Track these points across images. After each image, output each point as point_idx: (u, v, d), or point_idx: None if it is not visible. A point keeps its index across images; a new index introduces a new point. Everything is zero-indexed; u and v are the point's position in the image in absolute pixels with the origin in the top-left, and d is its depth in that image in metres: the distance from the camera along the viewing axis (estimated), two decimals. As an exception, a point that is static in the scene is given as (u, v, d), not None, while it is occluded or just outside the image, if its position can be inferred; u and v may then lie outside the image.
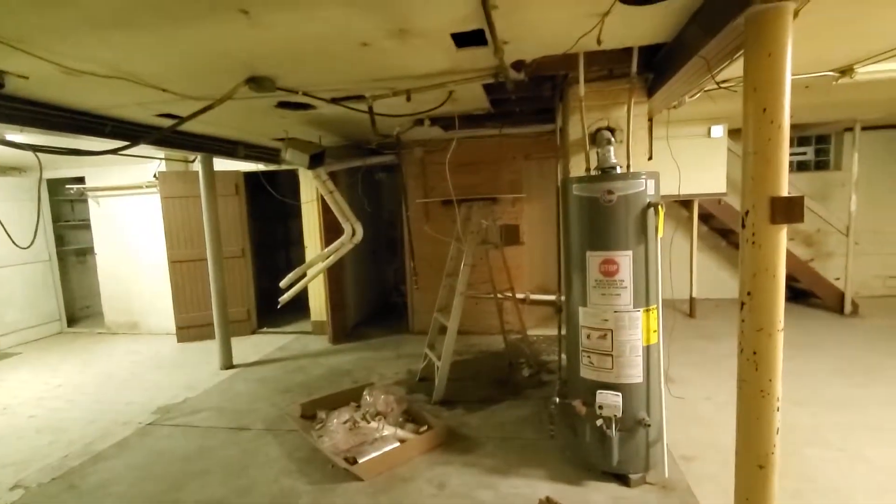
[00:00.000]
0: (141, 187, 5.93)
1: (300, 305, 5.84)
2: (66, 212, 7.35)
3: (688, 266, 5.73)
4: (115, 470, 3.02)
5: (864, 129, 5.54)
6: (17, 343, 6.13)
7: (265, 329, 6.22)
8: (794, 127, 6.09)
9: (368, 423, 3.01)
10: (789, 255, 5.83)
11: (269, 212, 7.57)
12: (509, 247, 4.14)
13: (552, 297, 5.47)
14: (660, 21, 2.12)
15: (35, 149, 2.60)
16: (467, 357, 4.74)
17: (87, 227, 6.64)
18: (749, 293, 1.64)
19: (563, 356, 3.44)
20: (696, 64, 2.12)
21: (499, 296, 4.32)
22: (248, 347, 5.46)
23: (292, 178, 6.08)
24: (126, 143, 2.80)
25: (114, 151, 2.76)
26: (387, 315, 6.74)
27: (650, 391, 2.46)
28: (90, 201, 6.36)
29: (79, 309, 7.42)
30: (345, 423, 3.04)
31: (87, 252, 7.27)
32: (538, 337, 5.22)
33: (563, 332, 3.18)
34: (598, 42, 2.03)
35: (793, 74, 1.62)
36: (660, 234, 2.37)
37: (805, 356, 4.34)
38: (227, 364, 4.83)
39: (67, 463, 3.12)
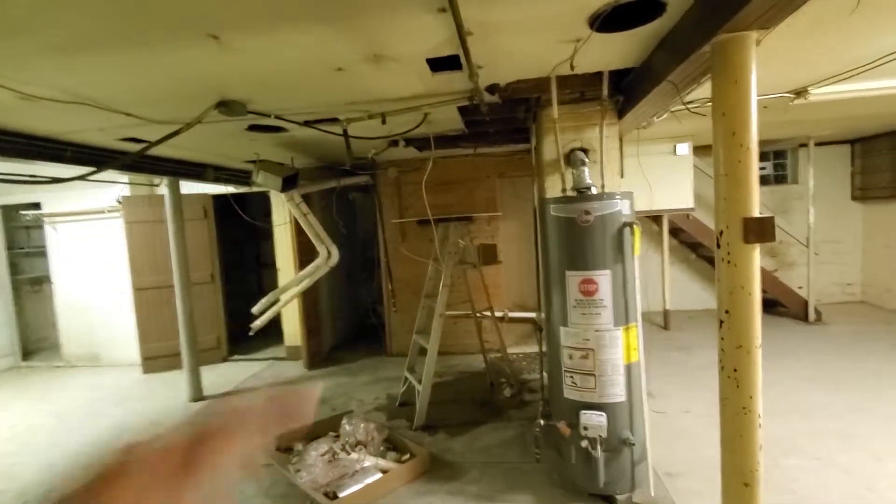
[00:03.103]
0: (102, 212, 5.69)
1: (273, 331, 5.67)
2: (20, 238, 6.97)
3: (660, 279, 5.86)
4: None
5: (817, 144, 5.84)
6: (-36, 381, 5.73)
7: (236, 356, 6.00)
8: (761, 143, 6.40)
9: (348, 454, 2.91)
10: (765, 270, 6.06)
11: (239, 234, 7.38)
12: (487, 266, 4.14)
13: (531, 315, 5.48)
14: (629, 47, 2.18)
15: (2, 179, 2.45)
16: (448, 378, 4.68)
17: (44, 254, 6.31)
18: (727, 311, 1.66)
19: (545, 375, 3.43)
20: (664, 88, 2.18)
21: (478, 315, 4.29)
22: (218, 377, 5.24)
23: (264, 199, 5.96)
24: (91, 170, 2.69)
25: (81, 178, 2.64)
26: (363, 337, 6.61)
27: (633, 409, 2.47)
28: (47, 227, 6.05)
29: (34, 341, 6.99)
30: (323, 455, 2.93)
31: (43, 281, 6.89)
32: (518, 355, 5.20)
33: (545, 350, 3.17)
34: (571, 67, 2.07)
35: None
36: (636, 253, 2.40)
37: (776, 365, 4.46)
38: (197, 395, 4.61)
39: (22, 513, 2.90)
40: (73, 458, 3.57)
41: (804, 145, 6.11)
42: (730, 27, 1.60)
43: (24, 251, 6.88)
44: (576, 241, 2.42)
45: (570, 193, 2.68)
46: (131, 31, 1.66)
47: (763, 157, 6.86)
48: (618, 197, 2.39)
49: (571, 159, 2.74)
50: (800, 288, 6.15)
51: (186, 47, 1.82)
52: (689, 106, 3.10)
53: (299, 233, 4.98)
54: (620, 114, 2.83)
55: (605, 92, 2.60)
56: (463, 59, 2.11)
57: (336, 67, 2.17)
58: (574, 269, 2.43)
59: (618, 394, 2.42)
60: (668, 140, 4.93)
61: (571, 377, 2.50)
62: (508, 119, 3.68)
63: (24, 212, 6.01)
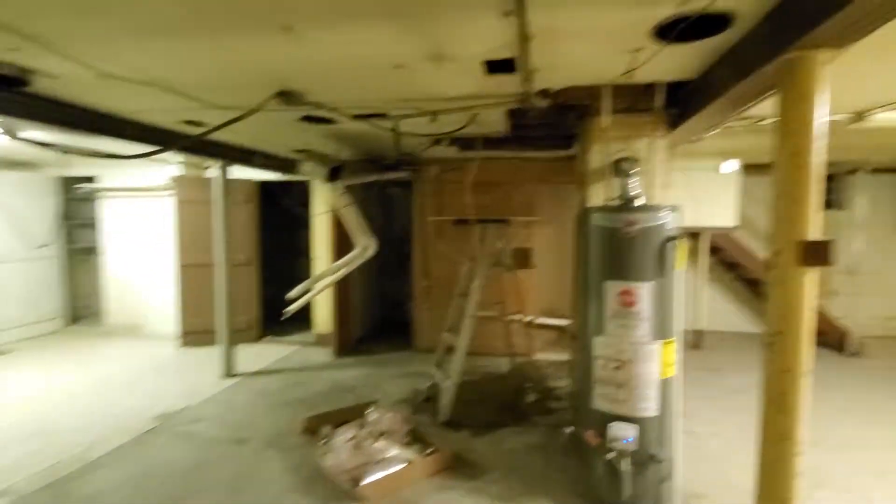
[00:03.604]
0: (154, 190, 5.95)
1: (304, 317, 5.81)
2: (74, 210, 7.36)
3: (693, 298, 5.73)
4: (110, 480, 2.94)
5: (870, 171, 5.60)
6: (13, 340, 6.07)
7: (268, 338, 6.18)
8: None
9: (374, 442, 2.97)
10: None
11: (276, 221, 7.59)
12: (520, 270, 4.14)
13: (558, 322, 5.46)
14: (689, 60, 2.16)
15: (65, 150, 2.61)
16: (472, 378, 4.70)
17: (94, 226, 6.65)
18: (775, 334, 1.63)
19: (573, 384, 3.41)
20: (722, 103, 2.15)
21: (507, 318, 4.30)
22: (250, 356, 5.41)
23: (303, 188, 6.12)
24: (156, 149, 2.83)
25: (142, 156, 2.78)
26: (391, 331, 6.70)
27: (664, 425, 2.44)
28: (100, 201, 6.37)
29: (80, 308, 7.37)
30: (349, 441, 3.00)
31: (91, 251, 7.26)
32: (544, 361, 5.18)
33: (574, 359, 3.16)
34: (629, 77, 2.06)
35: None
36: (679, 268, 2.37)
37: (811, 395, 4.30)
38: (229, 372, 4.78)
39: (60, 470, 3.04)
40: (111, 422, 3.75)
41: (854, 171, 5.87)
42: (801, 45, 1.57)
43: (77, 222, 7.27)
44: (617, 251, 2.41)
45: (614, 203, 2.66)
46: (211, 18, 1.75)
47: (813, 180, 6.60)
48: (664, 210, 2.37)
49: (618, 169, 2.72)
50: (839, 318, 5.91)
51: (260, 37, 1.91)
52: (745, 123, 3.04)
53: (337, 223, 5.10)
54: (672, 126, 2.80)
55: (659, 103, 2.58)
56: (519, 63, 2.13)
57: (396, 64, 2.23)
58: (613, 279, 2.42)
59: (650, 408, 2.40)
60: (714, 156, 4.82)
61: (602, 387, 2.48)
62: (554, 125, 3.66)
63: (78, 185, 6.33)
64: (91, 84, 2.56)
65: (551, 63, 2.21)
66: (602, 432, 2.47)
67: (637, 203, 2.52)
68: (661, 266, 2.36)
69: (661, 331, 2.40)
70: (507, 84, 2.52)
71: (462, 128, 3.35)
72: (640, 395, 2.40)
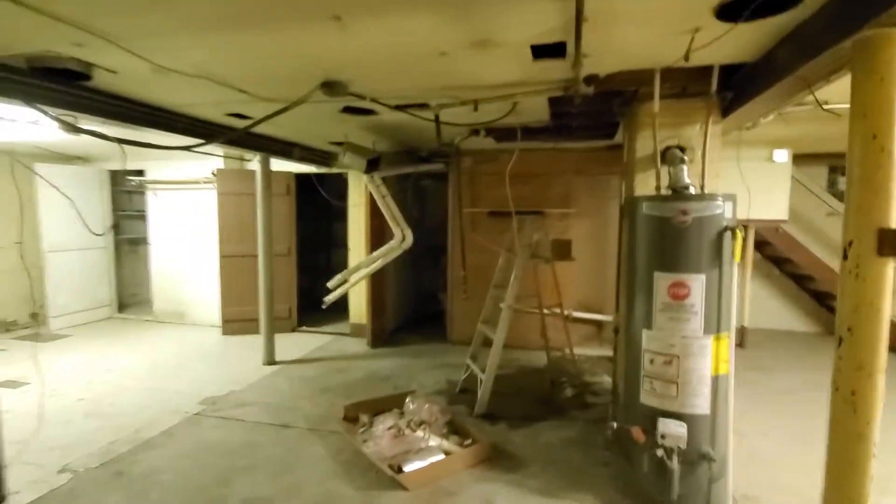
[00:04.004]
0: (198, 182, 6.15)
1: (339, 308, 5.90)
2: (123, 202, 7.69)
3: (738, 294, 5.50)
4: (163, 459, 3.07)
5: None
6: (67, 325, 6.40)
7: (304, 328, 6.32)
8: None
9: (413, 431, 2.99)
10: (852, 288, 5.53)
11: (313, 213, 7.72)
12: (558, 262, 4.08)
13: (597, 317, 5.35)
14: (750, 40, 2.04)
15: (120, 141, 2.72)
16: (508, 371, 4.67)
17: (142, 217, 6.93)
18: (849, 329, 1.54)
19: (615, 378, 3.34)
20: (784, 85, 2.03)
21: (545, 311, 4.24)
22: (289, 345, 5.54)
23: (339, 181, 6.19)
24: (201, 141, 2.91)
25: (187, 148, 2.86)
26: (424, 323, 6.73)
27: (716, 424, 2.35)
28: (148, 193, 6.63)
29: (128, 296, 7.71)
30: (389, 429, 3.03)
31: (139, 241, 7.58)
32: (580, 356, 5.09)
33: (618, 353, 3.09)
34: (686, 58, 1.98)
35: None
36: (736, 260, 2.27)
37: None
38: (270, 360, 4.91)
39: (115, 449, 3.19)
40: (162, 404, 3.91)
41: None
42: (878, 22, 1.46)
43: (126, 213, 7.60)
44: (669, 242, 2.33)
45: (664, 192, 2.57)
46: (264, 10, 1.77)
47: (871, 170, 6.23)
48: (719, 198, 2.27)
49: (668, 157, 2.62)
50: (901, 317, 5.57)
51: (309, 27, 1.92)
52: (804, 108, 2.88)
53: (373, 215, 5.14)
54: (725, 112, 2.67)
55: (714, 87, 2.46)
56: (571, 46, 2.07)
57: (440, 52, 2.21)
58: (664, 271, 2.34)
59: (701, 405, 2.32)
60: (764, 146, 4.60)
61: (650, 382, 2.41)
62: (596, 113, 3.58)
63: (130, 178, 6.60)
64: (147, 78, 2.64)
65: (603, 47, 2.14)
66: (649, 428, 2.40)
67: (690, 192, 2.42)
68: (717, 258, 2.27)
69: (715, 325, 2.31)
70: (554, 70, 2.46)
71: (503, 117, 3.30)
72: (691, 392, 2.32)
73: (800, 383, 4.42)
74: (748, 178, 4.51)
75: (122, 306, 7.38)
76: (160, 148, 2.89)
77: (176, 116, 3.45)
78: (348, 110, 3.37)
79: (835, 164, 6.03)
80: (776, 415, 3.75)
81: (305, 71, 2.49)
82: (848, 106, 1.60)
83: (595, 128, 4.14)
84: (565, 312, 4.60)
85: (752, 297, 5.86)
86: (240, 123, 3.81)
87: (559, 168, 5.23)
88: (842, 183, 6.18)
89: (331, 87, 2.68)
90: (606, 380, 4.45)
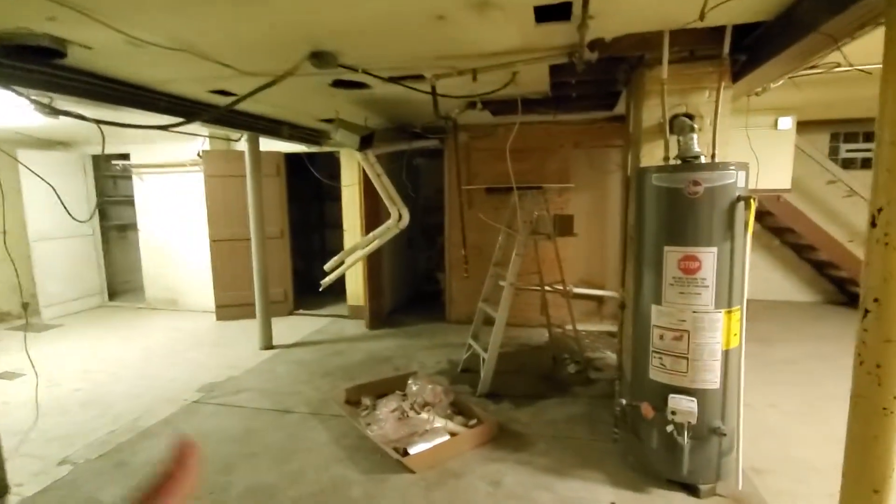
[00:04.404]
0: (184, 165, 5.96)
1: (335, 290, 5.82)
2: (108, 187, 7.48)
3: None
4: (164, 448, 3.01)
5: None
6: (59, 315, 6.28)
7: (301, 311, 6.23)
8: (859, 121, 5.73)
9: (417, 413, 2.93)
10: (853, 257, 5.51)
11: (304, 194, 7.56)
12: (561, 238, 3.99)
13: (599, 292, 5.30)
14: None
15: (98, 122, 2.56)
16: (509, 350, 4.62)
17: (130, 202, 6.74)
18: (876, 300, 1.47)
19: (620, 355, 3.29)
20: (806, 43, 1.91)
21: (546, 288, 4.17)
22: (285, 329, 5.46)
23: (331, 160, 6.02)
24: (182, 120, 2.75)
25: (166, 127, 2.71)
26: (421, 303, 6.67)
27: (727, 398, 2.31)
28: (134, 178, 6.43)
29: (119, 283, 7.57)
30: (393, 412, 2.97)
31: (128, 228, 7.40)
32: (582, 332, 5.06)
33: (625, 329, 3.04)
34: (701, 18, 1.85)
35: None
36: (749, 231, 2.19)
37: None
38: (267, 344, 4.83)
39: (115, 439, 3.13)
40: (159, 393, 3.84)
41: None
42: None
43: (113, 199, 7.40)
44: (679, 213, 2.24)
45: (673, 162, 2.47)
46: (245, -31, 1.62)
47: (870, 137, 6.13)
48: (732, 167, 2.17)
49: (676, 126, 2.51)
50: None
51: (294, -11, 1.76)
52: (817, 72, 2.76)
53: (367, 194, 5.01)
54: (736, 76, 2.55)
55: (727, 49, 2.34)
56: (577, 8, 1.94)
57: (437, 15, 2.06)
58: (674, 245, 2.26)
59: (712, 380, 2.27)
60: (767, 113, 4.48)
61: (660, 358, 2.36)
62: (597, 82, 3.45)
63: (114, 162, 6.38)
64: (123, 53, 2.47)
65: (611, 6, 2.00)
66: (658, 405, 2.35)
67: (701, 161, 2.32)
68: (729, 229, 2.19)
69: (726, 299, 2.24)
70: (557, 35, 2.32)
71: (501, 88, 3.15)
72: (701, 367, 2.26)
73: (802, 354, 4.42)
74: (745, 145, 4.40)
75: (113, 294, 7.25)
76: (140, 128, 2.74)
77: (157, 95, 3.27)
78: (339, 84, 3.21)
79: (837, 130, 5.93)
80: (783, 385, 3.74)
81: (291, 41, 2.34)
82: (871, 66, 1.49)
83: (595, 98, 4.00)
84: (567, 288, 4.53)
85: (751, 268, 5.82)
86: (225, 101, 3.64)
87: (557, 142, 5.10)
88: (844, 151, 6.10)
89: (319, 58, 2.52)
90: (609, 355, 4.42)
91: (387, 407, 3.02)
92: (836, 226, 5.88)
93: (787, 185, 4.70)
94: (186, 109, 3.44)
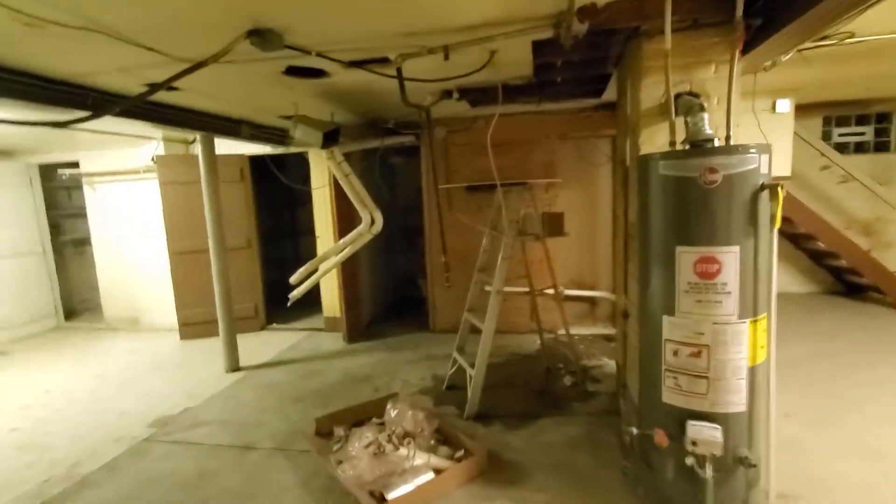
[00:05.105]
0: (138, 172, 5.46)
1: (312, 300, 5.40)
2: (61, 199, 6.92)
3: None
4: (103, 499, 2.59)
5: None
6: (5, 341, 5.73)
7: (274, 325, 5.79)
8: (851, 104, 5.51)
9: (396, 448, 2.54)
10: (853, 246, 5.28)
11: (276, 199, 7.11)
12: (550, 238, 3.64)
13: (592, 293, 4.97)
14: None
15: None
16: (498, 360, 4.26)
17: (85, 215, 6.21)
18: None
19: (623, 370, 2.95)
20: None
21: (538, 292, 3.82)
22: (255, 346, 5.02)
23: (301, 162, 5.59)
24: (86, 114, 2.32)
25: (62, 124, 2.30)
26: (404, 311, 6.28)
27: (753, 422, 1.97)
28: (85, 188, 5.91)
29: (78, 302, 7.02)
30: (368, 446, 2.58)
31: (85, 242, 6.85)
32: (575, 337, 4.72)
33: (629, 341, 2.69)
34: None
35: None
36: (777, 225, 1.85)
37: (892, 362, 3.83)
38: (233, 366, 4.39)
39: (47, 490, 2.70)
40: (105, 430, 3.39)
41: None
42: None
43: (67, 212, 6.84)
44: (693, 207, 1.89)
45: (681, 147, 2.12)
46: None
47: (862, 120, 5.94)
48: (753, 150, 1.83)
49: (682, 105, 2.17)
50: (898, 272, 5.36)
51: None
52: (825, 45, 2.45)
53: (339, 197, 4.60)
54: (746, 47, 2.22)
55: (740, 10, 1.99)
56: (565, -42, 1.57)
57: (395, -26, 1.68)
58: (688, 245, 1.91)
59: (737, 402, 1.93)
60: (765, 95, 4.19)
61: (675, 378, 2.01)
62: (585, 63, 3.09)
63: (61, 171, 5.85)
64: (24, 38, 2.06)
65: (605, -43, 1.64)
66: (674, 431, 2.01)
67: (713, 145, 1.98)
68: (752, 224, 1.85)
69: (751, 307, 1.90)
70: (540, 0, 1.96)
71: (478, 70, 2.78)
72: (724, 387, 1.92)
73: (807, 352, 4.14)
74: (747, 130, 4.11)
75: (71, 314, 6.70)
76: (24, 125, 2.31)
77: (82, 90, 2.83)
78: (293, 72, 2.81)
79: (829, 114, 5.70)
80: (793, 392, 3.44)
81: (223, 16, 1.93)
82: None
83: (583, 83, 3.66)
84: (558, 290, 4.19)
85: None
86: (168, 97, 3.21)
87: (541, 133, 4.75)
88: (836, 135, 5.88)
89: (261, 36, 2.12)
90: (606, 362, 4.09)
91: (361, 441, 2.63)
92: (832, 213, 5.66)
93: (788, 172, 4.43)
94: (121, 106, 2.99)
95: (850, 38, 2.55)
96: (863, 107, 5.48)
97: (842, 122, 5.92)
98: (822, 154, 5.43)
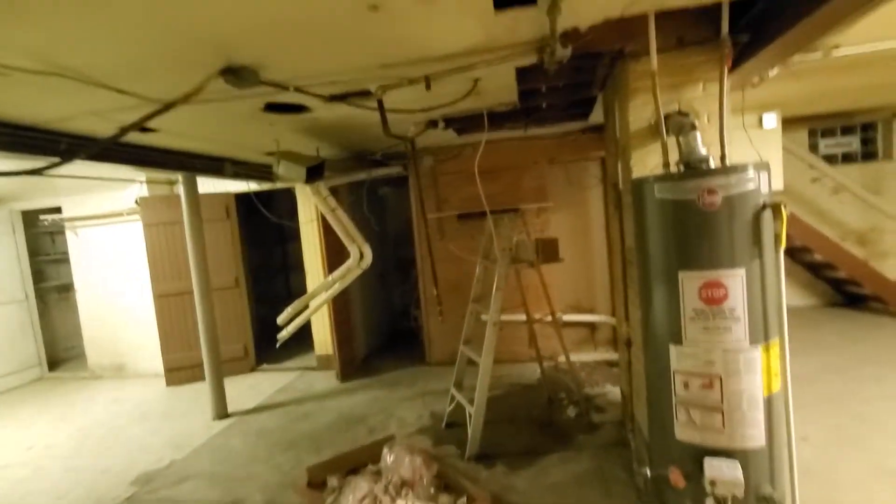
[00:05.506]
0: (121, 215, 5.35)
1: (303, 337, 5.22)
2: (45, 245, 6.78)
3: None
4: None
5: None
6: (-12, 394, 5.50)
7: (265, 366, 5.58)
8: (836, 115, 5.55)
9: (393, 500, 2.37)
10: (850, 257, 5.22)
11: (266, 235, 7.00)
12: (546, 264, 3.54)
13: (590, 318, 4.85)
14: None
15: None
16: (497, 392, 4.10)
17: (69, 260, 6.06)
18: None
19: (629, 402, 2.81)
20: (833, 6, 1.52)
21: (536, 319, 3.70)
22: (245, 390, 4.82)
23: (289, 196, 5.51)
24: (54, 161, 2.22)
25: (35, 172, 2.18)
26: (399, 343, 6.11)
27: (774, 456, 1.84)
28: (68, 232, 5.78)
29: (63, 350, 6.78)
30: (363, 500, 2.40)
31: (69, 288, 6.67)
32: (575, 364, 4.57)
33: (634, 370, 2.56)
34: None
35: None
36: (782, 245, 1.76)
37: (898, 375, 3.72)
38: (221, 413, 4.19)
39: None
40: (86, 488, 3.18)
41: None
42: None
43: (50, 258, 6.68)
44: (693, 230, 1.80)
45: (675, 169, 2.05)
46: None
47: (847, 131, 5.98)
48: (751, 169, 1.76)
49: (672, 125, 2.11)
50: (896, 280, 5.30)
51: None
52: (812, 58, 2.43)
53: (327, 231, 4.50)
54: (734, 63, 2.18)
55: (726, 27, 1.96)
56: (545, -19, 1.52)
57: (369, 5, 1.62)
58: (691, 269, 1.81)
59: (755, 436, 1.80)
60: (751, 110, 4.19)
61: (687, 412, 1.88)
62: (570, 87, 3.06)
63: (42, 217, 5.73)
64: (-14, 85, 1.97)
65: (585, -20, 1.60)
66: (691, 470, 1.86)
67: (708, 166, 1.91)
68: (756, 245, 1.76)
69: (762, 332, 1.80)
70: (523, 25, 1.92)
71: (462, 98, 2.73)
72: (740, 420, 1.79)
73: (815, 368, 4.02)
74: (734, 147, 4.09)
75: (55, 363, 6.47)
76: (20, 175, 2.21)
77: (53, 136, 2.74)
78: (273, 108, 2.74)
79: (814, 126, 5.74)
80: (805, 411, 3.30)
81: (194, 53, 1.86)
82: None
83: (569, 107, 3.64)
84: (556, 316, 4.07)
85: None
86: (147, 138, 3.13)
87: (530, 158, 4.72)
88: (824, 146, 5.90)
89: (235, 73, 2.05)
90: (610, 389, 3.94)
91: (356, 493, 2.45)
92: (826, 225, 5.62)
93: (780, 186, 4.37)
94: (94, 150, 2.90)
95: (835, 48, 2.53)
96: (847, 118, 5.52)
97: (826, 133, 5.96)
98: (812, 166, 5.43)
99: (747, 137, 3.83)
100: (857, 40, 2.55)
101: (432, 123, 3.48)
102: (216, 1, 1.48)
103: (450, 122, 3.54)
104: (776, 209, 1.72)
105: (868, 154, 5.99)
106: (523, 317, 3.78)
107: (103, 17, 1.53)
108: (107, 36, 1.68)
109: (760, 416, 1.80)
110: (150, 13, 1.53)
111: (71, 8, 1.46)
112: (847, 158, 6.02)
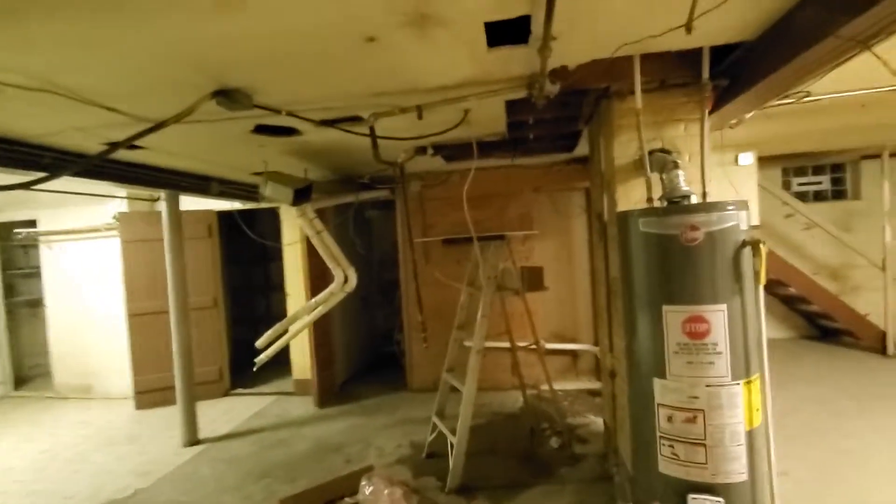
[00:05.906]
0: (98, 230, 5.23)
1: (281, 360, 5.10)
2: (18, 258, 6.56)
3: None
4: None
5: (890, 155, 5.21)
6: (-54, 415, 5.21)
7: (239, 390, 5.41)
8: (808, 156, 5.80)
9: (371, 534, 2.29)
10: (824, 292, 5.37)
11: (248, 254, 6.90)
12: (530, 293, 3.56)
13: (573, 346, 4.86)
14: (759, 9, 1.63)
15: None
16: (480, 421, 4.04)
17: (40, 275, 5.86)
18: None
19: (612, 433, 2.80)
20: (816, 53, 1.61)
21: (519, 347, 3.69)
22: (218, 414, 4.66)
23: (273, 217, 5.47)
24: (42, 175, 2.18)
25: (15, 187, 2.14)
26: (380, 368, 6.02)
27: (756, 491, 1.84)
28: (41, 246, 5.61)
29: (29, 368, 6.48)
30: (340, 534, 2.32)
31: (40, 303, 6.44)
32: (558, 393, 4.55)
33: (618, 402, 2.57)
34: (688, 29, 1.52)
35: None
36: (761, 282, 1.81)
37: (881, 409, 3.79)
38: (192, 439, 4.03)
39: None
40: (43, 520, 3.00)
41: (870, 157, 5.52)
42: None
43: (22, 271, 6.46)
44: (676, 265, 1.84)
45: (658, 205, 2.10)
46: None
47: (818, 170, 6.24)
48: (731, 207, 1.82)
49: (655, 162, 2.18)
50: (867, 315, 5.46)
51: (179, 9, 1.32)
52: (787, 102, 2.55)
53: (311, 253, 4.46)
54: (714, 106, 2.28)
55: (706, 73, 2.05)
56: (538, 26, 1.58)
57: (367, 37, 1.66)
58: (675, 304, 1.84)
59: (737, 471, 1.80)
60: (728, 149, 4.35)
61: (671, 447, 1.88)
62: (557, 121, 3.15)
63: (17, 230, 5.56)
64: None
65: (574, 24, 1.67)
66: (674, 506, 1.85)
67: (690, 202, 1.97)
68: (737, 281, 1.80)
69: (743, 367, 1.82)
70: (514, 62, 1.98)
71: (452, 128, 2.78)
72: (723, 455, 1.80)
73: (793, 401, 4.08)
74: (715, 184, 4.22)
75: (21, 382, 6.18)
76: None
77: (37, 150, 2.69)
78: (263, 130, 2.75)
79: (787, 165, 5.98)
80: (785, 445, 3.32)
81: (186, 75, 1.87)
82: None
83: (554, 139, 3.73)
84: (540, 345, 4.07)
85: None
86: (134, 155, 3.10)
87: (516, 186, 4.79)
88: (796, 184, 6.14)
89: (228, 96, 2.06)
90: (592, 420, 3.92)
91: (332, 526, 2.37)
92: (800, 259, 5.80)
93: (756, 222, 4.52)
94: (78, 166, 2.86)
95: (807, 96, 2.66)
96: (818, 158, 5.77)
97: (799, 172, 6.21)
98: (785, 203, 5.63)
99: (725, 175, 3.99)
100: (826, 88, 2.69)
101: (421, 150, 3.52)
102: (216, 29, 1.50)
103: (438, 149, 3.59)
104: (755, 246, 1.77)
105: (838, 192, 6.24)
106: (506, 344, 3.77)
107: (106, 45, 1.54)
108: (106, 62, 1.69)
109: (743, 450, 1.81)
110: (144, 41, 1.55)
111: (76, 38, 1.47)
112: (819, 196, 6.26)
